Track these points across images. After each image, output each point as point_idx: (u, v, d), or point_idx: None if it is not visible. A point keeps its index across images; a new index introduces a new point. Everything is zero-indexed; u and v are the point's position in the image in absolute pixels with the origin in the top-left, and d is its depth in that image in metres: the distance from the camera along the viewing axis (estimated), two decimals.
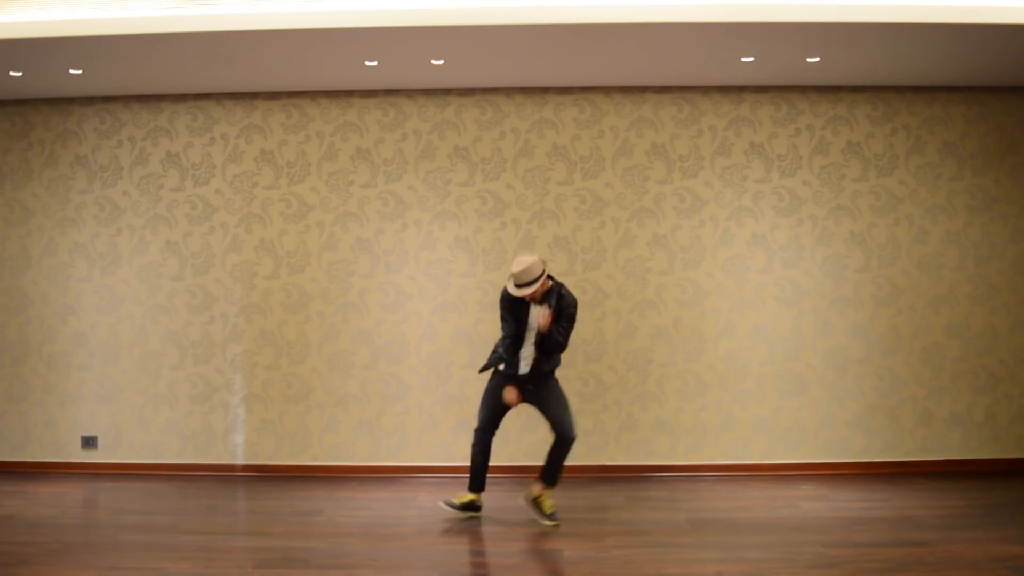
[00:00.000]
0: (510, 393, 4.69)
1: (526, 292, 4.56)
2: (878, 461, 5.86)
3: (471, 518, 4.83)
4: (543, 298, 4.66)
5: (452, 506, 4.85)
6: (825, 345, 5.89)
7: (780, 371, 5.89)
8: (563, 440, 4.70)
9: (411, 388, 5.93)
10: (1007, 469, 5.83)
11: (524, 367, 4.70)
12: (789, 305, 5.91)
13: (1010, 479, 5.61)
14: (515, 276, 4.56)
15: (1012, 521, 4.62)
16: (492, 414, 4.81)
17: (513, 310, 4.67)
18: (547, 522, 4.67)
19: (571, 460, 5.76)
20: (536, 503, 4.74)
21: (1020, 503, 5.04)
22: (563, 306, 4.65)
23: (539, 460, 5.64)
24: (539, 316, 4.62)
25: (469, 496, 4.87)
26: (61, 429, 6.03)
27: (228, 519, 4.93)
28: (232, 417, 5.98)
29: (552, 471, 4.72)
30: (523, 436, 5.71)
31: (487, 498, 5.10)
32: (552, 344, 4.65)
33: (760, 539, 4.37)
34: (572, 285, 5.79)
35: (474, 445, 4.84)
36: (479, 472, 4.85)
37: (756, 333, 5.90)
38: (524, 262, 4.53)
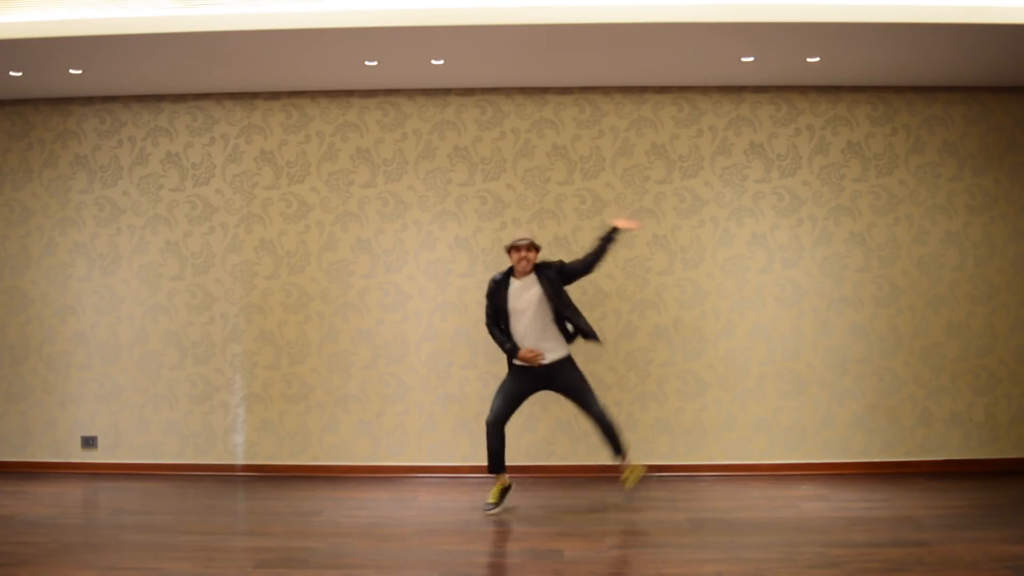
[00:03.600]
0: (528, 352, 4.83)
1: (520, 243, 4.85)
2: (878, 461, 5.86)
3: (503, 501, 4.96)
4: (532, 273, 4.91)
5: (493, 506, 4.92)
6: (825, 345, 5.89)
7: (780, 371, 5.89)
8: (599, 421, 4.85)
9: (411, 388, 5.93)
10: (1007, 469, 5.83)
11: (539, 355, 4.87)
12: (789, 305, 5.91)
13: (1010, 479, 5.61)
14: (515, 237, 4.96)
15: (1012, 521, 4.62)
16: (504, 404, 4.90)
17: (493, 295, 4.97)
18: (624, 495, 4.91)
19: (571, 460, 5.78)
20: (621, 474, 4.96)
21: (1020, 503, 5.04)
22: (554, 272, 4.89)
23: (539, 460, 5.69)
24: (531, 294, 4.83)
25: (496, 486, 4.95)
26: (61, 429, 6.03)
27: (228, 519, 4.92)
28: (232, 417, 5.98)
29: (612, 443, 4.90)
30: (523, 436, 5.71)
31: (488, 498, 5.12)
32: (590, 262, 4.89)
33: (760, 539, 4.37)
34: (572, 285, 5.78)
35: (488, 435, 4.91)
36: (497, 454, 4.92)
37: (756, 333, 5.90)
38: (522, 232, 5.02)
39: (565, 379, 4.88)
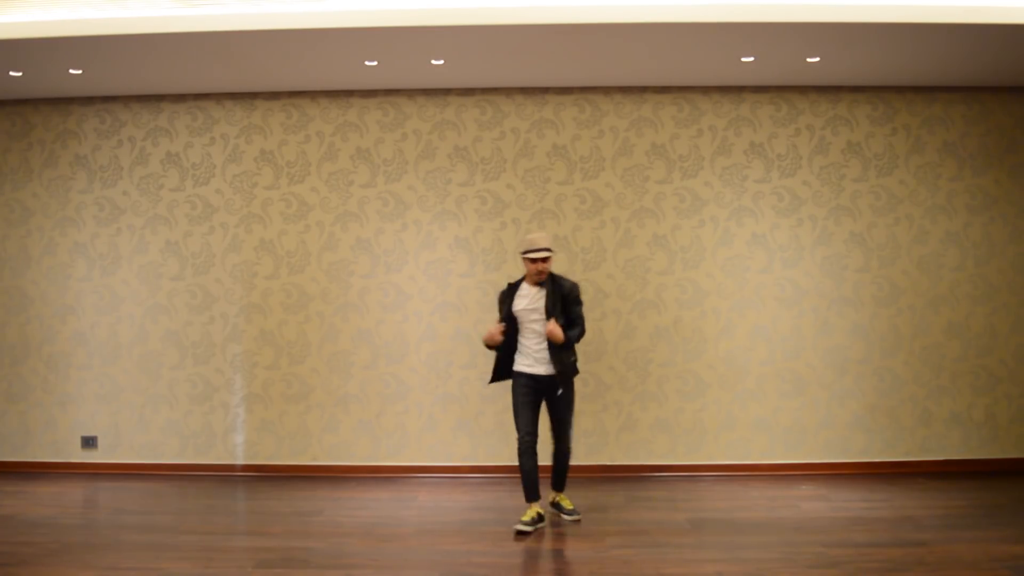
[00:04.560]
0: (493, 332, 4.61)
1: (539, 256, 4.52)
2: (878, 461, 5.86)
3: (537, 528, 4.62)
4: (543, 284, 4.61)
5: (525, 530, 4.52)
6: (825, 345, 5.89)
7: (780, 371, 5.89)
8: (558, 449, 4.76)
9: (411, 388, 5.93)
10: (1007, 469, 5.83)
11: (540, 368, 4.61)
12: (789, 305, 5.91)
13: (1010, 479, 5.61)
14: (531, 241, 4.57)
15: (1012, 521, 4.62)
16: (529, 422, 4.63)
17: (501, 301, 4.73)
18: (568, 518, 4.75)
19: (571, 460, 5.76)
20: (556, 504, 4.85)
21: (1020, 503, 5.04)
22: (565, 292, 4.60)
23: (539, 460, 5.66)
24: (546, 328, 4.54)
25: (532, 510, 4.61)
26: (61, 429, 6.03)
27: (228, 519, 4.92)
28: (232, 417, 5.98)
29: (558, 478, 4.84)
30: None
31: (488, 499, 5.13)
32: (574, 335, 4.61)
33: (760, 539, 4.37)
34: None
35: (521, 455, 4.61)
36: (532, 482, 4.63)
37: (756, 333, 5.90)
38: (540, 235, 4.60)
39: (558, 393, 4.63)
